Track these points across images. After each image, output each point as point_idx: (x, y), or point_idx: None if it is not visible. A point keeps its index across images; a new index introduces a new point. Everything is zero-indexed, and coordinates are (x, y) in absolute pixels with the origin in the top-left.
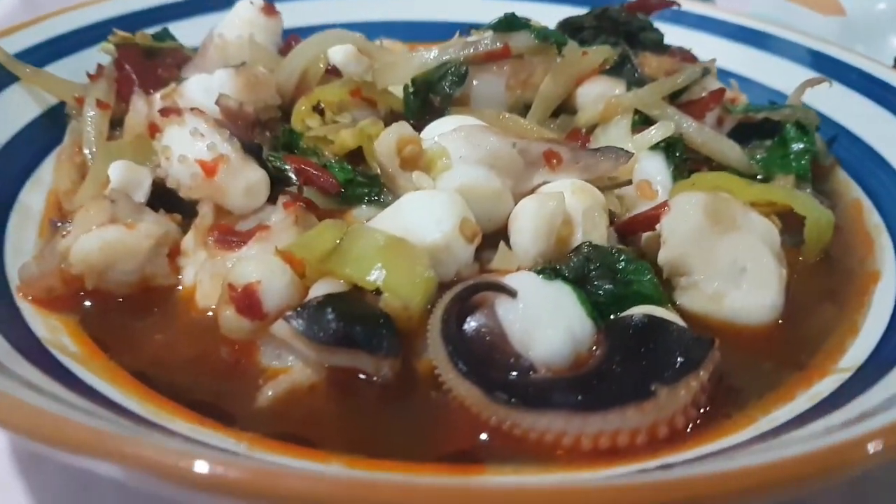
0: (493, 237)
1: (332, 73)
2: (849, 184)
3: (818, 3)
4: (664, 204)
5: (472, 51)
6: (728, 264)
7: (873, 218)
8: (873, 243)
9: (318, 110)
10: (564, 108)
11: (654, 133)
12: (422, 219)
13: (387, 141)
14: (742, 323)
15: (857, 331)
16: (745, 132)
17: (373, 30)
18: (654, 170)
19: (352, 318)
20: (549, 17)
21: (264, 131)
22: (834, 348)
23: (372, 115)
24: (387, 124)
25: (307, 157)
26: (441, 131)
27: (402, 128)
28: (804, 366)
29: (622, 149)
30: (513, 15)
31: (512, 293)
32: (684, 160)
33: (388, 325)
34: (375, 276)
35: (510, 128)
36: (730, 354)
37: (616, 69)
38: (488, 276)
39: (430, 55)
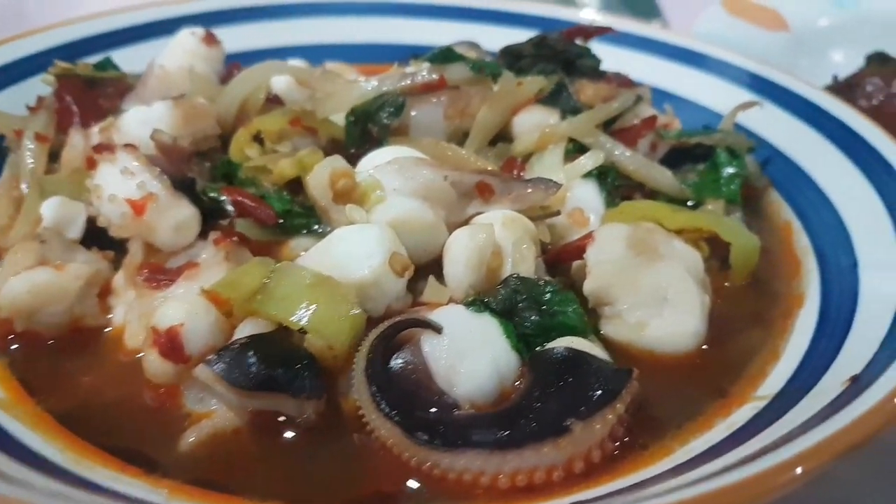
0: (430, 267)
1: (274, 101)
2: (781, 205)
3: (763, 19)
4: (589, 235)
5: (409, 82)
6: (650, 294)
7: (802, 240)
8: (800, 266)
9: (257, 139)
10: (502, 136)
11: (585, 162)
12: (351, 254)
13: (319, 175)
14: (664, 351)
15: (778, 356)
16: (678, 156)
17: (319, 52)
18: (586, 197)
19: (274, 361)
20: (496, 40)
21: (204, 161)
22: (755, 374)
23: (313, 143)
24: (328, 153)
25: (246, 188)
26: (376, 163)
27: (335, 162)
28: (725, 393)
29: (552, 180)
30: (449, 48)
31: (437, 329)
32: (617, 186)
33: (311, 366)
34: (300, 316)
35: (447, 157)
36: (652, 383)
37: (553, 97)
38: (417, 310)
39: (368, 86)
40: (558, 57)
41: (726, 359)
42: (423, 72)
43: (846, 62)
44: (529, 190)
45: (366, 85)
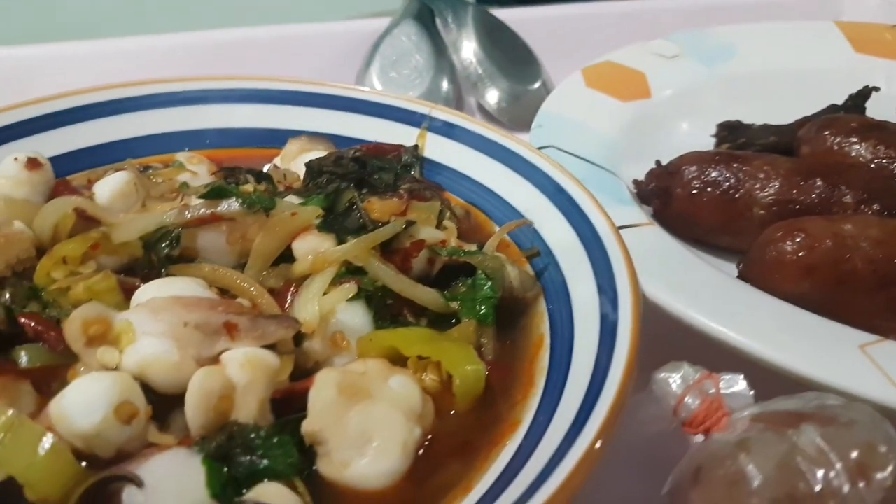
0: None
1: (90, 220)
2: (543, 317)
3: (619, 91)
4: (312, 378)
5: (187, 216)
6: (356, 434)
7: (545, 359)
8: (532, 388)
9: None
10: (287, 256)
11: (342, 290)
12: (77, 406)
13: (72, 325)
14: (363, 487)
15: (469, 489)
16: (454, 271)
17: (201, 137)
18: (349, 320)
19: None
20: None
21: (22, 281)
22: None
23: (118, 261)
24: (127, 272)
25: (49, 310)
26: (141, 299)
27: (87, 311)
28: None
29: (293, 318)
30: (220, 186)
31: (138, 482)
32: (389, 304)
33: None
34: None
35: (225, 281)
36: None
37: (342, 216)
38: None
39: (149, 220)
40: (351, 175)
41: (425, 494)
42: (198, 208)
43: (692, 131)
44: (274, 327)
45: (147, 219)
